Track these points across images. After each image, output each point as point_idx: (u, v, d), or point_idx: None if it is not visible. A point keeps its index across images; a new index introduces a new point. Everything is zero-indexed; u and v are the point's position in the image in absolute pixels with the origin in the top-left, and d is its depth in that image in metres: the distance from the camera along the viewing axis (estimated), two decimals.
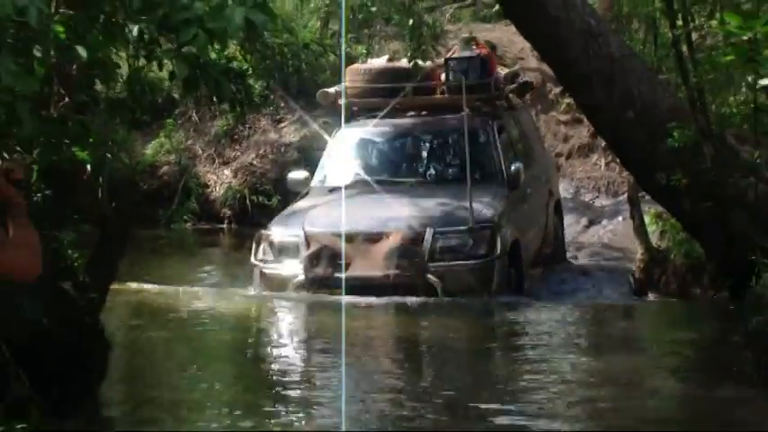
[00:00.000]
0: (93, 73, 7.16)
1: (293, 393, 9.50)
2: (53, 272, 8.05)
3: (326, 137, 15.59)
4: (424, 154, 14.25)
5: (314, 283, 12.32)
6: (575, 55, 11.66)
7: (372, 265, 12.26)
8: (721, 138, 11.01)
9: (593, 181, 19.56)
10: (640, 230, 14.10)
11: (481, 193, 12.83)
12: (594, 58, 11.60)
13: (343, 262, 12.17)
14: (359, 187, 13.68)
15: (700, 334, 11.30)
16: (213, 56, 7.63)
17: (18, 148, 7.20)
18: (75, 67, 7.00)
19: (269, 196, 18.90)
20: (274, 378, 10.03)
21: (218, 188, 20.06)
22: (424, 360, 10.93)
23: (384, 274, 12.18)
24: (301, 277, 12.37)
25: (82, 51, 6.41)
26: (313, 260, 12.36)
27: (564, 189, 19.23)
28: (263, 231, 13.10)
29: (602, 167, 19.49)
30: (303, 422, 8.53)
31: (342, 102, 14.26)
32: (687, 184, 11.07)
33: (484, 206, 12.75)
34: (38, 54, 6.10)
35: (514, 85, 15.25)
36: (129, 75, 8.21)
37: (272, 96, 20.69)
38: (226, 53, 8.49)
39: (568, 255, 16.02)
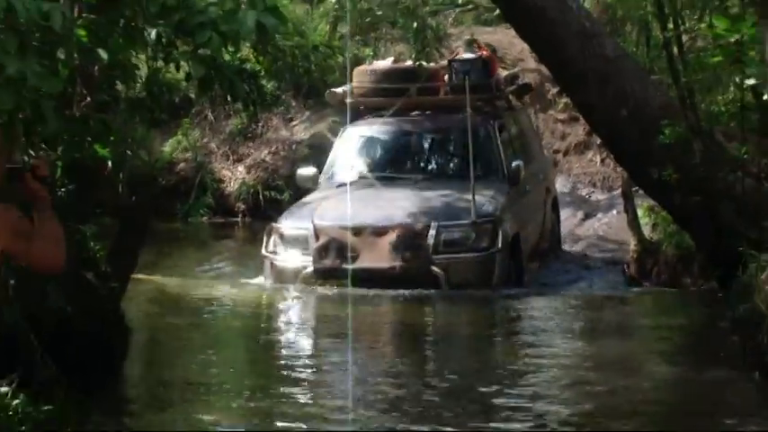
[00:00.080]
0: (113, 74, 7.19)
1: (303, 376, 9.57)
2: (76, 262, 8.10)
3: (331, 136, 15.61)
4: (428, 151, 14.27)
5: (322, 274, 12.29)
6: (571, 55, 11.63)
7: (379, 256, 12.26)
8: (710, 134, 11.00)
9: (589, 176, 19.53)
10: (633, 223, 14.11)
11: (483, 189, 12.80)
12: (590, 59, 11.56)
13: (349, 254, 12.15)
14: (365, 183, 13.67)
15: (689, 321, 11.36)
16: (227, 57, 7.66)
17: (43, 146, 7.24)
18: (96, 68, 7.04)
19: (281, 191, 18.88)
20: (285, 362, 10.08)
21: (232, 183, 20.05)
22: (427, 346, 10.96)
23: (390, 266, 12.17)
24: (310, 268, 12.35)
25: (103, 54, 6.44)
26: (322, 252, 12.33)
27: (561, 184, 19.20)
28: (273, 225, 13.07)
29: (598, 163, 19.46)
30: (313, 403, 8.59)
31: (348, 101, 14.27)
32: (678, 178, 11.03)
33: (486, 201, 12.72)
34: (62, 56, 6.11)
35: (514, 87, 15.26)
36: (148, 76, 8.24)
37: (283, 96, 20.70)
38: (239, 55, 8.51)
39: (566, 246, 16.00)
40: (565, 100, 18.77)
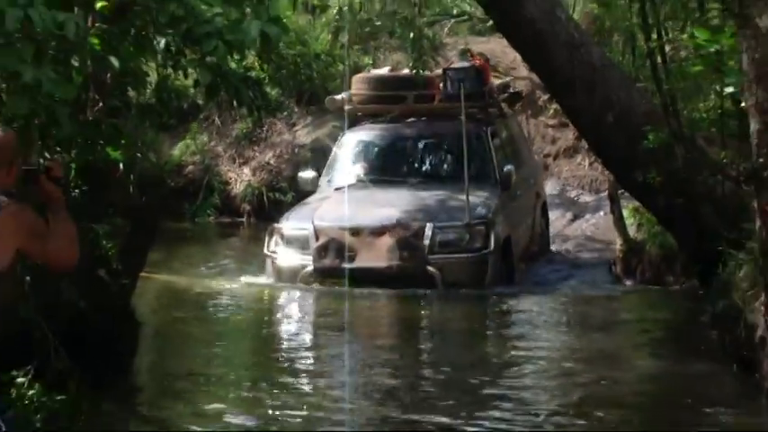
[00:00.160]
0: (125, 81, 7.20)
1: (302, 368, 9.60)
2: (89, 260, 8.08)
3: (330, 141, 15.59)
4: (424, 156, 14.19)
5: (322, 273, 12.27)
6: (559, 64, 11.63)
7: (376, 256, 12.22)
8: (692, 140, 10.99)
9: (578, 179, 19.52)
10: (619, 224, 14.11)
11: (476, 193, 12.79)
12: (577, 68, 11.57)
13: (348, 254, 12.15)
14: (363, 186, 13.61)
15: (672, 316, 11.38)
16: (233, 65, 7.69)
17: (58, 149, 7.25)
18: (108, 75, 7.03)
19: (284, 193, 18.88)
20: (285, 355, 10.10)
21: (238, 185, 20.06)
22: (422, 340, 10.98)
23: (387, 266, 12.14)
24: (310, 267, 12.32)
25: (115, 61, 6.46)
26: (321, 252, 12.30)
27: (551, 186, 19.21)
28: (275, 225, 13.05)
29: (586, 167, 19.44)
30: (313, 393, 8.61)
31: (347, 108, 14.24)
32: (661, 181, 11.04)
33: (479, 204, 12.70)
34: (76, 64, 6.14)
35: (506, 95, 15.25)
36: (158, 82, 8.26)
37: (286, 102, 20.70)
38: (244, 63, 8.54)
39: (555, 246, 16.00)
40: (555, 106, 18.74)
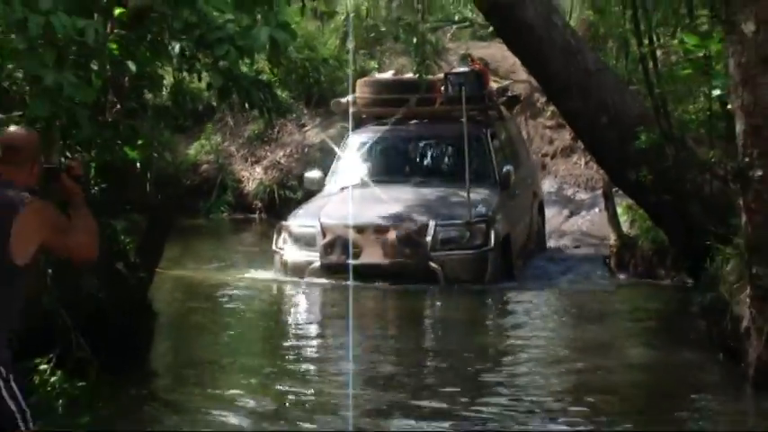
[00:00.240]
0: (142, 84, 7.23)
1: (309, 355, 9.63)
2: (108, 254, 8.13)
3: (335, 143, 15.54)
4: (426, 157, 14.10)
5: (329, 269, 12.21)
6: (556, 69, 11.64)
7: (381, 253, 12.18)
8: (681, 140, 11.00)
9: (574, 177, 19.47)
10: (613, 220, 14.10)
11: (476, 192, 12.69)
12: (573, 72, 11.57)
13: (353, 250, 12.11)
14: (367, 185, 13.53)
15: (662, 308, 11.38)
16: (244, 69, 7.71)
17: (78, 149, 7.28)
18: (126, 79, 7.06)
19: (294, 190, 18.86)
20: (294, 343, 10.12)
21: (250, 183, 20.07)
22: (424, 331, 10.98)
23: (391, 262, 12.11)
24: (317, 263, 12.28)
25: (132, 66, 6.49)
26: (328, 248, 12.27)
27: (549, 185, 19.20)
28: (283, 223, 12.98)
29: (582, 166, 19.40)
30: (319, 378, 8.65)
31: (351, 110, 14.19)
32: (652, 180, 11.06)
33: (480, 203, 12.63)
34: (95, 68, 6.17)
35: (504, 98, 15.20)
36: (173, 85, 8.30)
37: (296, 104, 20.71)
38: (255, 67, 8.55)
39: (552, 242, 15.98)
40: (552, 108, 18.67)
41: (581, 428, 7.22)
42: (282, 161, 20.18)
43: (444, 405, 7.75)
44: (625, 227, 13.87)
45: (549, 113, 19.89)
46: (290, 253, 12.59)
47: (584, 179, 19.12)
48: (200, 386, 8.36)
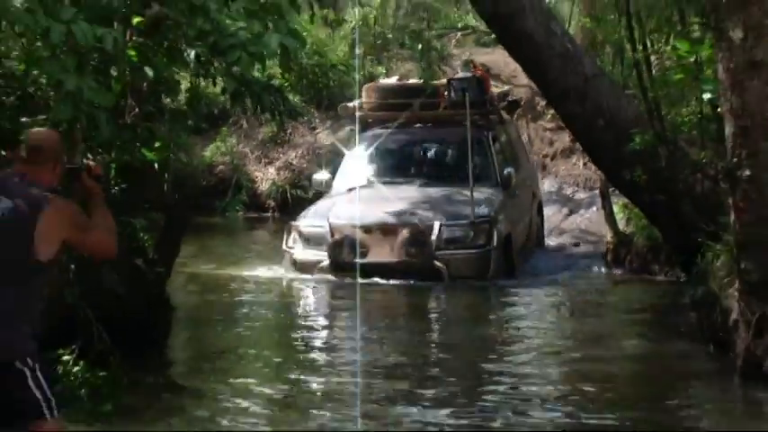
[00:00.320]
0: (159, 89, 7.25)
1: (319, 346, 9.67)
2: (128, 251, 8.17)
3: (342, 145, 15.51)
4: (430, 159, 14.01)
5: (337, 267, 12.15)
6: (555, 75, 11.64)
7: (387, 252, 12.12)
8: (674, 142, 11.01)
9: (573, 177, 19.48)
10: (610, 218, 14.10)
11: (479, 193, 12.63)
12: (571, 77, 11.58)
13: (361, 249, 12.08)
14: (374, 186, 13.48)
15: (656, 301, 11.37)
16: (257, 74, 7.73)
17: (99, 150, 7.32)
18: (144, 84, 7.09)
19: (306, 190, 18.79)
20: (304, 335, 10.14)
21: (264, 183, 20.11)
22: (428, 323, 10.98)
23: (397, 261, 12.04)
24: (326, 262, 12.23)
25: (150, 71, 6.52)
26: (336, 248, 12.21)
27: (549, 184, 19.23)
28: (293, 223, 12.92)
29: (581, 166, 19.40)
30: (328, 367, 8.69)
31: (358, 114, 14.09)
32: (646, 179, 11.07)
33: (482, 204, 12.55)
34: (114, 73, 6.21)
35: (505, 103, 15.16)
36: (189, 90, 8.32)
37: (308, 108, 20.74)
38: (267, 72, 8.57)
39: (553, 238, 15.98)
40: (552, 111, 18.68)
41: (579, 415, 7.24)
42: (294, 162, 20.23)
43: (447, 394, 7.78)
44: (621, 224, 13.88)
45: (549, 116, 19.90)
46: (300, 252, 12.54)
47: (582, 179, 19.13)
48: (215, 374, 8.38)
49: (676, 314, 10.07)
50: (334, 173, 14.27)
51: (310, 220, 12.75)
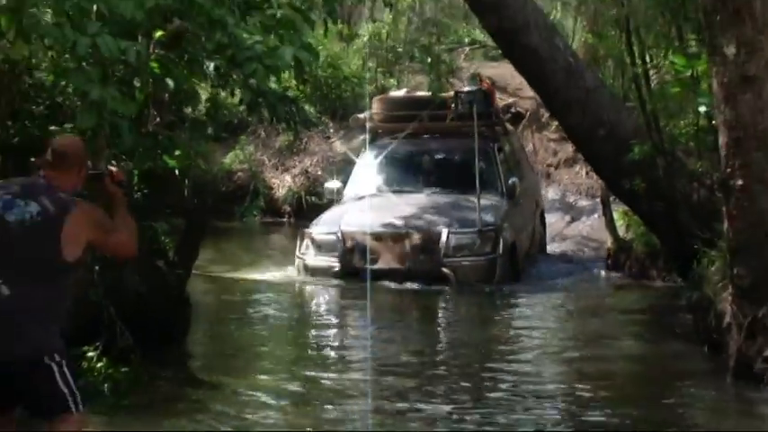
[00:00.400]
0: (180, 99, 7.28)
1: (331, 344, 9.68)
2: (150, 253, 8.20)
3: (353, 155, 15.48)
4: (437, 169, 13.85)
5: (348, 273, 12.09)
6: (557, 88, 11.62)
7: (397, 259, 12.08)
8: (672, 152, 10.99)
9: (576, 186, 19.49)
10: (610, 225, 14.10)
11: (485, 202, 12.56)
12: (573, 90, 11.56)
13: (372, 256, 12.04)
14: (384, 195, 13.44)
15: (654, 305, 11.37)
16: (273, 86, 7.76)
17: (123, 157, 7.36)
18: (166, 94, 7.12)
19: (320, 196, 18.80)
20: (317, 334, 10.18)
21: (280, 190, 20.15)
22: (436, 326, 10.97)
23: (406, 268, 12.00)
24: (338, 268, 12.18)
25: (171, 82, 6.54)
26: (348, 254, 12.17)
27: (553, 192, 19.25)
28: (305, 230, 12.83)
29: (584, 175, 19.40)
30: (339, 365, 8.71)
31: (368, 125, 14.10)
32: (645, 188, 11.05)
33: (488, 212, 12.49)
34: (137, 84, 6.24)
35: (509, 115, 15.14)
36: (207, 100, 8.35)
37: (322, 118, 20.79)
38: (284, 84, 8.58)
39: (556, 244, 15.98)
40: (556, 122, 18.74)
41: (579, 412, 7.25)
42: (310, 170, 20.26)
43: (454, 390, 7.80)
44: (621, 231, 13.87)
45: (553, 127, 19.89)
46: (313, 258, 12.47)
47: (585, 187, 19.14)
48: (232, 370, 8.41)
49: (673, 317, 10.08)
50: (345, 181, 14.22)
51: (322, 228, 12.67)
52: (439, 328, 10.88)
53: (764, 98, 7.51)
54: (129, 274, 7.93)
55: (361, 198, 13.39)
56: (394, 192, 13.54)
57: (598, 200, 15.82)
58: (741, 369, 7.57)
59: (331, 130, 20.96)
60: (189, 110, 8.00)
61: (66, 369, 4.98)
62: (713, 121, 8.66)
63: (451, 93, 14.82)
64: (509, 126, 14.96)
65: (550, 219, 16.75)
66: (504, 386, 7.94)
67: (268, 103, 7.02)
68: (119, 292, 7.74)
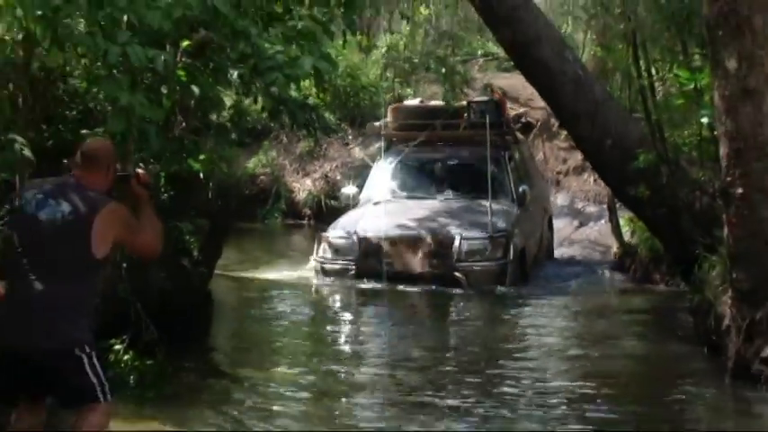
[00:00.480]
0: (205, 105, 7.31)
1: (347, 341, 9.71)
2: (175, 252, 8.25)
3: (369, 161, 15.47)
4: (450, 176, 13.73)
5: (364, 276, 12.02)
6: (567, 99, 11.62)
7: (411, 263, 12.01)
8: (675, 161, 10.98)
9: (584, 193, 19.48)
10: (616, 230, 14.11)
11: (496, 209, 12.49)
12: (581, 101, 11.57)
13: (387, 260, 11.99)
14: (398, 201, 13.37)
15: (657, 307, 11.34)
16: (294, 94, 7.79)
17: (151, 160, 7.41)
18: (192, 101, 7.16)
19: (339, 200, 18.96)
20: (333, 331, 10.21)
21: (301, 193, 20.21)
22: (448, 325, 10.93)
23: (420, 272, 11.94)
24: (354, 271, 12.12)
25: (196, 89, 6.58)
26: (364, 258, 12.12)
27: (562, 199, 19.24)
28: (322, 234, 12.78)
29: (592, 182, 19.37)
30: (354, 361, 8.73)
31: (383, 133, 14.13)
32: (650, 196, 11.03)
33: (499, 219, 12.41)
34: (164, 91, 6.28)
35: (519, 125, 15.12)
36: (232, 107, 8.39)
37: (341, 125, 20.84)
38: (304, 92, 8.61)
39: (564, 248, 15.95)
40: (566, 132, 18.73)
41: (583, 408, 7.26)
42: (329, 174, 20.32)
43: (464, 385, 7.84)
44: (626, 236, 13.87)
45: (562, 136, 19.87)
46: (330, 261, 12.42)
47: (592, 194, 19.12)
48: (252, 363, 8.47)
49: (675, 319, 10.06)
50: (361, 186, 14.18)
51: (339, 232, 12.61)
52: (450, 327, 10.84)
53: (764, 111, 7.50)
54: (155, 271, 7.97)
55: (376, 203, 13.33)
56: (408, 197, 13.49)
57: (605, 206, 15.80)
58: (739, 370, 7.57)
59: (350, 137, 21.00)
60: (214, 116, 8.03)
61: (95, 361, 5.03)
62: (715, 132, 8.64)
63: (464, 102, 14.82)
64: (519, 135, 14.90)
65: (560, 224, 16.72)
66: (509, 382, 7.95)
67: (288, 110, 7.06)
68: (145, 289, 7.79)
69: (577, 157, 19.25)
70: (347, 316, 11.24)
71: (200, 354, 8.45)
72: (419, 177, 13.93)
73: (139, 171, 5.44)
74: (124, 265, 7.53)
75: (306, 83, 7.12)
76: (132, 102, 5.54)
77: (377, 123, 14.67)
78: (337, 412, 7.16)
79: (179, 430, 6.44)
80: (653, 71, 11.57)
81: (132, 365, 7.24)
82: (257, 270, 13.55)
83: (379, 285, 11.69)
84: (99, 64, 5.99)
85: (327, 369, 8.35)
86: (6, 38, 6.12)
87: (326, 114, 18.67)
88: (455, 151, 13.95)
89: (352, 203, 13.75)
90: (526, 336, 9.95)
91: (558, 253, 15.46)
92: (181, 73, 6.45)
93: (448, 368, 8.56)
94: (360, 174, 17.52)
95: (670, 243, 11.46)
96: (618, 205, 13.90)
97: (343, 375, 8.16)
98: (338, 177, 19.85)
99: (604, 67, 15.99)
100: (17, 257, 5.03)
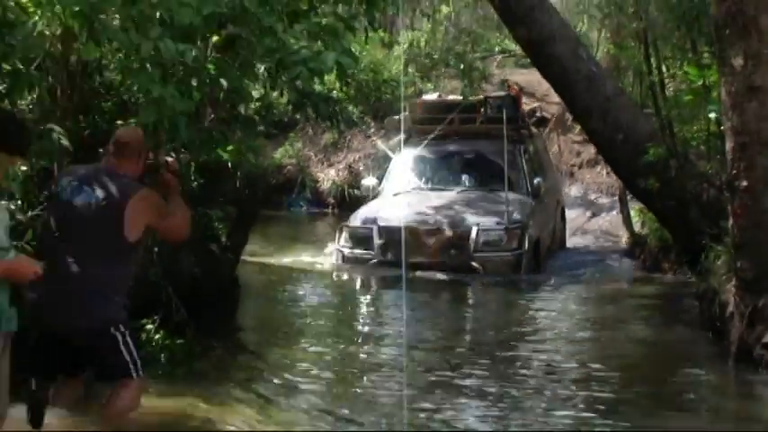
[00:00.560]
0: (233, 98, 7.33)
1: (366, 324, 9.76)
2: (203, 237, 8.29)
3: (389, 152, 15.46)
4: (468, 169, 13.68)
5: (384, 265, 11.99)
6: (580, 94, 11.65)
7: (430, 253, 11.96)
8: (684, 155, 11.00)
9: (597, 185, 19.46)
10: (627, 221, 14.10)
11: (512, 201, 12.41)
12: (594, 97, 11.59)
13: (406, 250, 11.94)
14: (417, 192, 13.35)
15: (665, 294, 11.32)
16: (318, 87, 7.81)
17: (183, 150, 7.44)
18: (220, 93, 7.19)
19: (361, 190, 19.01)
20: (353, 314, 10.26)
21: (325, 183, 20.28)
22: (465, 309, 10.97)
23: (438, 261, 11.88)
24: (374, 260, 12.11)
25: (225, 82, 6.61)
26: (384, 248, 12.11)
27: (576, 190, 19.22)
28: (344, 224, 12.76)
29: (604, 175, 19.33)
30: (372, 343, 8.74)
31: (403, 127, 13.95)
32: (659, 188, 11.05)
33: (515, 211, 12.34)
34: (194, 84, 6.31)
35: (534, 119, 15.09)
36: (259, 99, 8.41)
37: (364, 117, 20.86)
38: (328, 86, 8.61)
39: (577, 238, 15.91)
40: (580, 126, 18.69)
41: (593, 389, 7.28)
42: (352, 165, 20.38)
43: (478, 366, 7.86)
44: (637, 227, 13.86)
45: (577, 130, 19.82)
46: (350, 251, 12.41)
47: (605, 186, 19.10)
48: (277, 343, 8.54)
49: (681, 306, 10.04)
50: (382, 178, 14.14)
51: (360, 222, 12.58)
52: (465, 312, 10.86)
53: None
54: (185, 256, 7.99)
55: (396, 194, 13.30)
56: (427, 189, 13.44)
57: (617, 198, 15.79)
58: (742, 354, 7.58)
59: (372, 129, 21.02)
60: (241, 108, 8.04)
61: (129, 339, 5.11)
62: (722, 127, 8.64)
63: (481, 97, 14.78)
64: (534, 129, 14.86)
65: (573, 214, 16.70)
66: (519, 363, 7.99)
67: (312, 103, 7.09)
68: (175, 272, 7.80)
69: (591, 150, 19.21)
70: (367, 300, 11.27)
71: (227, 334, 8.48)
72: (437, 169, 13.86)
73: (168, 159, 5.50)
74: (156, 249, 7.55)
75: (330, 77, 7.10)
76: (164, 94, 5.58)
77: (396, 117, 14.60)
78: (359, 390, 7.19)
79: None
80: (663, 68, 11.57)
81: (163, 344, 7.28)
82: (282, 256, 13.59)
83: (397, 273, 11.66)
84: (132, 58, 6.02)
85: (349, 349, 8.41)
86: (46, 32, 6.17)
87: (350, 107, 18.71)
88: (472, 144, 13.87)
89: (371, 194, 13.71)
90: (538, 320, 9.97)
91: (571, 242, 15.42)
92: (210, 67, 6.47)
93: (463, 350, 8.62)
94: (381, 164, 17.53)
95: (678, 233, 11.46)
96: (629, 197, 13.89)
97: (363, 355, 8.20)
98: (361, 168, 19.90)
99: (617, 64, 15.94)
100: (54, 241, 5.10)
